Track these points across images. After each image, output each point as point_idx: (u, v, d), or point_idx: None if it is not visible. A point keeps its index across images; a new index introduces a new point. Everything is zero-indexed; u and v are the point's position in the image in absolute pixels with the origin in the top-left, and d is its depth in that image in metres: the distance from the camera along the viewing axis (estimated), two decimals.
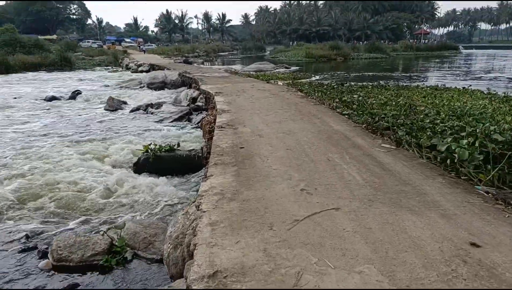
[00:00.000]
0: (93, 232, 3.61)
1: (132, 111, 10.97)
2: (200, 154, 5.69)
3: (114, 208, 4.29)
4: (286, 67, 25.02)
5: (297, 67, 26.36)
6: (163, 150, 6.02)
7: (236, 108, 6.89)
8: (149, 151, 5.94)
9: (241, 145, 4.32)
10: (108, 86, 17.34)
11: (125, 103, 11.95)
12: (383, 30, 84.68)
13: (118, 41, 62.40)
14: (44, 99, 13.36)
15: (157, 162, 5.81)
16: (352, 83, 12.20)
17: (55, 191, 4.74)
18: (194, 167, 5.71)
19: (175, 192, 4.86)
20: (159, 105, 11.29)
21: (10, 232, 3.73)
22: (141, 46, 53.17)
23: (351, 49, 43.42)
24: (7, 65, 26.55)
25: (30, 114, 10.80)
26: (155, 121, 9.66)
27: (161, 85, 15.93)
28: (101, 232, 3.34)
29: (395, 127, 5.15)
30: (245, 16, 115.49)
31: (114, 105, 11.29)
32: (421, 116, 6.13)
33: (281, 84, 11.57)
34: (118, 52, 41.41)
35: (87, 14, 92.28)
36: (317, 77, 16.95)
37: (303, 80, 14.48)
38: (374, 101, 7.35)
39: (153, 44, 65.91)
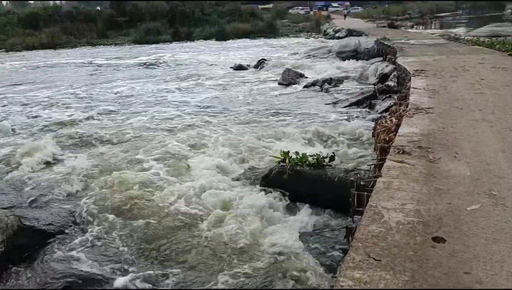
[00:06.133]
0: None
1: (305, 87, 9.19)
2: (361, 184, 3.28)
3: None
4: None
5: None
6: (306, 162, 3.94)
7: (445, 103, 3.92)
8: (287, 161, 3.98)
9: (437, 231, 1.71)
10: (297, 54, 16.21)
11: (302, 76, 10.27)
12: None
13: (325, 7, 61.36)
14: (232, 68, 13.37)
15: (295, 180, 3.81)
16: None
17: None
18: (346, 204, 3.37)
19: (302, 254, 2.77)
20: (338, 81, 9.03)
21: None
22: (344, 10, 50.32)
23: None
24: (224, 33, 29.87)
25: (208, 84, 10.67)
26: (326, 103, 7.56)
27: (352, 54, 13.43)
28: None
29: None
30: None
31: (288, 79, 9.81)
32: None
33: None
34: (322, 18, 40.51)
35: None
36: None
37: None
38: None
39: (359, 8, 61.52)
